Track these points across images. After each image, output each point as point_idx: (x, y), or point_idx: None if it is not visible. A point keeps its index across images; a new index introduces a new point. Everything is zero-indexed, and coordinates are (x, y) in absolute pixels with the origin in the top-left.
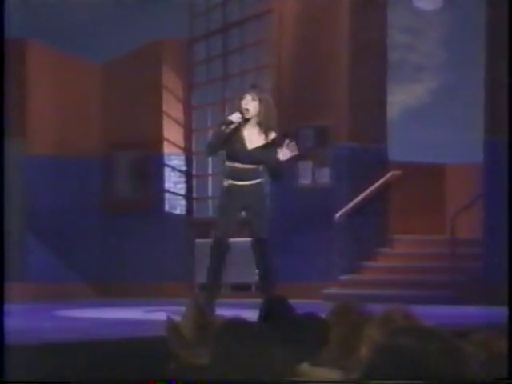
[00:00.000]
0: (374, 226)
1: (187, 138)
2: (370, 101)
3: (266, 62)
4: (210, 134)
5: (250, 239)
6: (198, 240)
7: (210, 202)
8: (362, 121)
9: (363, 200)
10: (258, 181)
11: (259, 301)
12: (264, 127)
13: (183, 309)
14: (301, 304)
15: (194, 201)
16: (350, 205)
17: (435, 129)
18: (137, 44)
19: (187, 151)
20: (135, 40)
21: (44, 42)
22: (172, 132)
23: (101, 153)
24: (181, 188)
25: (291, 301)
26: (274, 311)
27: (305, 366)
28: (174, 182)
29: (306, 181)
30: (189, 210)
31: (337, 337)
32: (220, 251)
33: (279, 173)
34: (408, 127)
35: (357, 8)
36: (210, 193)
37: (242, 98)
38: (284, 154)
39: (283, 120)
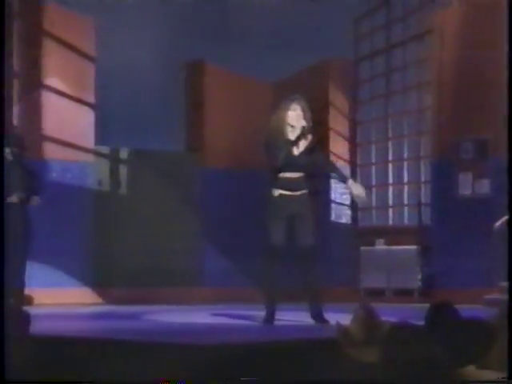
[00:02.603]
0: None
1: (352, 151)
2: None
3: (428, 79)
4: (271, 144)
5: (411, 247)
6: (362, 247)
7: (373, 211)
8: None
9: None
10: (304, 191)
11: (422, 305)
12: (306, 133)
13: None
14: (463, 309)
15: (359, 210)
16: (510, 215)
17: None
18: (306, 64)
19: (352, 163)
20: (305, 60)
21: (219, 63)
22: (338, 145)
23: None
24: (346, 198)
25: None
26: (440, 316)
27: (471, 369)
28: (339, 193)
29: (466, 191)
30: (354, 219)
31: (503, 340)
32: (274, 258)
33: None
34: None
35: None
36: (374, 202)
37: (289, 109)
38: (356, 189)
39: (444, 134)
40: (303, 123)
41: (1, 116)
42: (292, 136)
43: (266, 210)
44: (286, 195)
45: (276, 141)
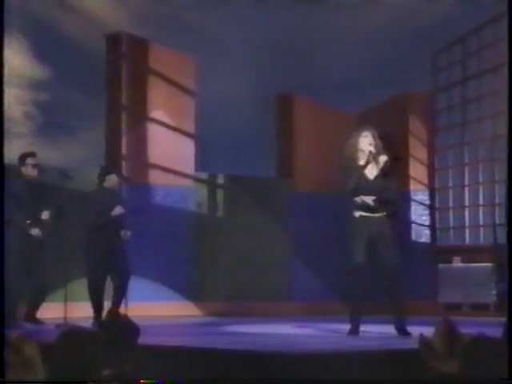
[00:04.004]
0: None
1: (430, 176)
2: None
3: (501, 109)
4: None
5: (486, 264)
6: (441, 265)
7: (451, 231)
8: None
9: None
10: (383, 213)
11: (498, 319)
12: (376, 157)
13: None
14: None
15: (437, 231)
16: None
17: None
18: (387, 95)
19: (430, 187)
20: (386, 92)
21: (307, 96)
22: (417, 171)
23: None
24: (425, 219)
25: None
26: None
27: None
28: (419, 215)
29: None
30: (433, 238)
31: None
32: (356, 274)
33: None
34: None
35: None
36: (451, 223)
37: (361, 135)
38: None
39: None
40: (371, 148)
41: (0, 117)
42: (362, 160)
43: (348, 230)
44: (365, 216)
45: (349, 165)
